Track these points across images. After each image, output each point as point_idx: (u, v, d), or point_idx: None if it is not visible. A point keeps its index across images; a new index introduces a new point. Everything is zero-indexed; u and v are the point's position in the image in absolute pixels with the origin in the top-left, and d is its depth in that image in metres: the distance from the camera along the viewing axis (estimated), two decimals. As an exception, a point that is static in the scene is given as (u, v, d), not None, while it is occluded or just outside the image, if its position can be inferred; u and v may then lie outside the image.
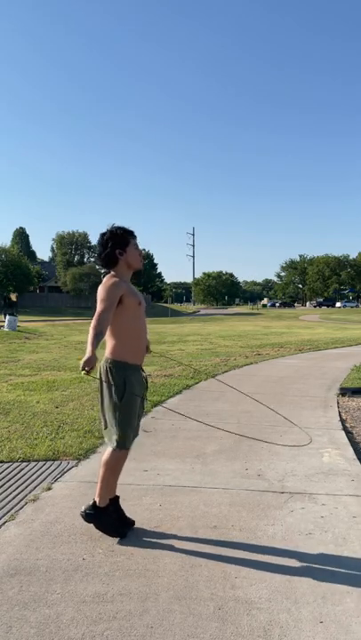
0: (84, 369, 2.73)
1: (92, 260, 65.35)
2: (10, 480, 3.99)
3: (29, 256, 73.73)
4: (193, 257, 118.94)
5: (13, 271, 54.06)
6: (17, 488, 3.83)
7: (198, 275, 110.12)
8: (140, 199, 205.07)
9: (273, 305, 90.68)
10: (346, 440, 5.20)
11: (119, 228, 3.09)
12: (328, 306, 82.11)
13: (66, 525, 3.19)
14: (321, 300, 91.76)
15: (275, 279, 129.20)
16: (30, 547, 2.93)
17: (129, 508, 3.28)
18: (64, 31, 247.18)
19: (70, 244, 68.00)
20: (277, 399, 7.35)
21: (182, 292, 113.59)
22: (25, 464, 4.36)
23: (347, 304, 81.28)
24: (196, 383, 8.70)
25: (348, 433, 5.58)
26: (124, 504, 3.22)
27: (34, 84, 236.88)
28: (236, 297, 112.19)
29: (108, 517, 3.05)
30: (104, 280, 2.98)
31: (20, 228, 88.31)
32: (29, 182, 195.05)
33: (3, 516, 3.33)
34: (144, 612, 2.32)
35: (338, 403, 7.21)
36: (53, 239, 72.47)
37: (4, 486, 3.86)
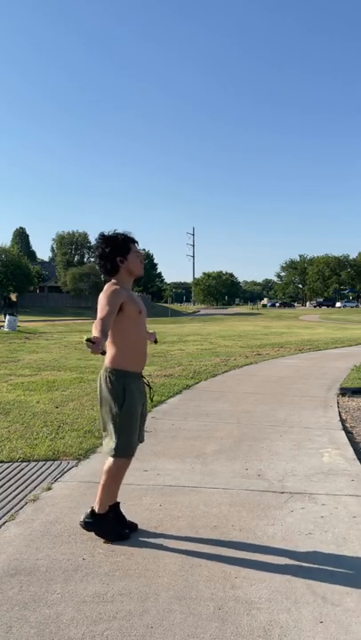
0: (90, 340, 2.54)
1: (92, 260, 65.34)
2: (10, 480, 3.99)
3: (29, 256, 73.72)
4: (193, 257, 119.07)
5: (13, 271, 54.07)
6: (17, 488, 3.83)
7: (198, 275, 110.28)
8: (140, 199, 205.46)
9: (273, 305, 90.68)
10: (346, 440, 5.20)
11: (119, 234, 3.04)
12: (328, 306, 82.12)
13: (66, 525, 3.19)
14: (321, 300, 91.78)
15: (275, 279, 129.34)
16: (30, 547, 2.93)
17: (129, 508, 3.28)
18: (64, 31, 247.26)
19: (70, 244, 68.03)
20: (277, 399, 7.35)
21: (182, 292, 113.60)
22: (25, 464, 4.36)
23: (347, 304, 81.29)
24: (196, 383, 8.70)
25: (349, 433, 5.58)
26: (124, 504, 3.21)
27: (34, 84, 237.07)
28: (236, 297, 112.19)
29: (108, 523, 3.03)
30: (105, 288, 2.95)
31: (20, 227, 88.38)
32: (29, 182, 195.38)
33: (3, 516, 3.33)
34: (144, 612, 2.32)
35: (338, 403, 7.21)
36: (53, 239, 72.62)
37: (4, 486, 3.86)
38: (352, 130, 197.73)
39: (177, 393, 7.69)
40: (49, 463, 4.37)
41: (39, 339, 19.86)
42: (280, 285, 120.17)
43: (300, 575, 2.65)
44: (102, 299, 2.89)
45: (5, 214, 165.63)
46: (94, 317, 2.95)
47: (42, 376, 9.43)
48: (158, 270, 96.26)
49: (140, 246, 3.18)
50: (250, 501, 3.58)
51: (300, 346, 16.43)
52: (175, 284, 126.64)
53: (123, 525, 3.08)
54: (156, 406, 6.62)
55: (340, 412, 6.57)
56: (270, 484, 3.94)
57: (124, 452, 2.98)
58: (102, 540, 3.00)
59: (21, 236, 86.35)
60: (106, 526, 3.02)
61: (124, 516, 3.12)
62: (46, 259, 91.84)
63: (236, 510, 3.43)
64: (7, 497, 3.66)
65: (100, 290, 2.99)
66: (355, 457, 4.61)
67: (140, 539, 3.03)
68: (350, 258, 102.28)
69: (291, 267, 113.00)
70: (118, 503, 3.10)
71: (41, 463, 4.37)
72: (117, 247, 3.01)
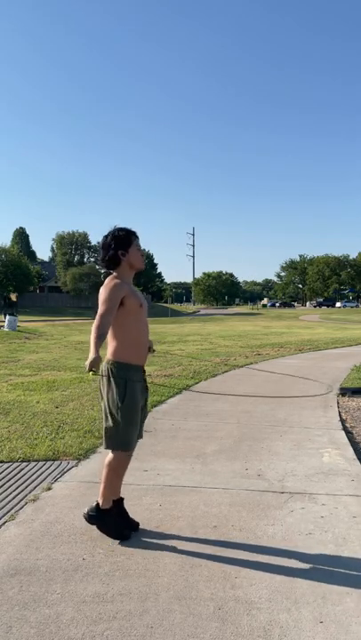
0: (90, 369, 2.74)
1: (92, 259, 65.41)
2: (10, 480, 3.99)
3: (29, 256, 73.76)
4: (193, 257, 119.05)
5: (13, 271, 54.07)
6: (17, 488, 3.83)
7: (198, 275, 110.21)
8: (140, 199, 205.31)
9: (273, 305, 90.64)
10: (346, 440, 5.20)
11: (121, 229, 3.09)
12: (328, 306, 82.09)
13: (66, 525, 3.19)
14: (321, 300, 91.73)
15: (275, 279, 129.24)
16: (30, 547, 2.93)
17: (129, 508, 3.28)
18: (64, 31, 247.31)
19: (70, 244, 68.00)
20: (277, 399, 7.35)
21: (182, 292, 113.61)
22: (25, 464, 4.36)
23: (347, 304, 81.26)
24: (196, 383, 8.70)
25: (349, 433, 5.58)
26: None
27: (34, 84, 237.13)
28: (236, 297, 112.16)
29: (111, 519, 3.04)
30: (106, 281, 2.98)
31: (20, 227, 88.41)
32: (29, 182, 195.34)
33: (3, 516, 3.33)
34: (144, 612, 2.32)
35: (338, 403, 7.21)
36: (53, 239, 72.53)
37: (4, 486, 3.86)
38: (352, 130, 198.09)
39: (177, 393, 7.69)
40: (49, 463, 4.37)
41: (39, 339, 19.86)
42: (280, 285, 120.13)
43: (300, 575, 2.65)
44: (103, 293, 2.92)
45: (5, 214, 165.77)
46: (94, 317, 2.95)
47: (42, 376, 9.43)
48: (158, 270, 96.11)
49: (141, 246, 3.21)
50: (250, 501, 3.58)
51: (300, 346, 16.43)
52: (175, 283, 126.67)
53: (125, 524, 3.08)
54: (156, 406, 6.62)
55: (340, 412, 6.57)
56: (270, 483, 3.94)
57: (125, 445, 2.99)
58: (102, 540, 3.00)
59: (21, 236, 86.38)
60: (109, 522, 3.03)
61: (127, 513, 3.13)
62: (46, 259, 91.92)
63: (236, 510, 3.43)
64: (7, 497, 3.66)
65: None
66: (355, 457, 4.61)
67: (140, 539, 3.03)
68: (350, 258, 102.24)
69: (291, 267, 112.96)
70: (122, 499, 3.12)
71: (41, 463, 4.37)
72: (119, 240, 3.05)
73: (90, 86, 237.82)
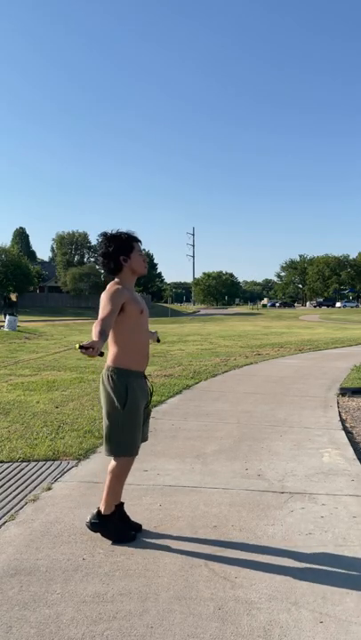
0: (83, 347, 2.47)
1: (93, 259, 65.40)
2: (10, 480, 3.99)
3: (29, 256, 73.74)
4: (193, 257, 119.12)
5: (13, 271, 54.08)
6: (17, 488, 3.83)
7: (198, 275, 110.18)
8: (140, 199, 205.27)
9: (273, 305, 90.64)
10: (346, 440, 5.20)
11: (123, 233, 3.05)
12: (328, 306, 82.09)
13: (66, 525, 3.19)
14: (321, 300, 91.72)
15: (275, 279, 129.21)
16: (30, 547, 2.93)
17: (129, 508, 3.28)
18: (64, 31, 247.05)
19: (70, 244, 68.03)
20: (278, 399, 7.35)
21: (182, 292, 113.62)
22: (25, 464, 4.36)
23: (347, 304, 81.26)
24: (196, 383, 8.70)
25: (349, 433, 5.58)
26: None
27: (34, 84, 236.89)
28: (236, 297, 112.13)
29: (114, 524, 3.03)
30: (107, 287, 2.95)
31: (20, 228, 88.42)
32: (29, 182, 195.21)
33: (3, 516, 3.33)
34: (144, 612, 2.32)
35: (338, 403, 7.21)
36: (53, 239, 72.63)
37: (4, 486, 3.86)
38: (352, 130, 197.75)
39: (177, 393, 7.69)
40: (49, 463, 4.37)
41: (39, 339, 19.86)
42: (280, 285, 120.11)
43: (300, 575, 2.65)
44: (104, 298, 2.89)
45: (5, 214, 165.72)
46: (94, 317, 2.95)
47: (42, 376, 9.43)
48: (158, 270, 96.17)
49: (142, 250, 3.18)
50: (250, 501, 3.58)
51: (300, 346, 16.44)
52: (175, 283, 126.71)
53: (128, 526, 3.08)
54: (156, 406, 6.62)
55: (340, 412, 6.57)
56: (270, 484, 3.94)
57: (128, 451, 2.98)
58: (102, 540, 3.00)
59: (21, 236, 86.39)
60: (112, 527, 3.02)
61: (128, 517, 3.12)
62: (46, 259, 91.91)
63: (236, 510, 3.43)
64: (7, 497, 3.66)
65: (101, 290, 2.99)
66: (355, 457, 4.61)
67: (140, 539, 3.03)
68: (350, 258, 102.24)
69: (291, 267, 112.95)
70: (122, 503, 3.11)
71: (41, 463, 4.37)
72: (121, 246, 3.01)
73: (90, 86, 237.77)
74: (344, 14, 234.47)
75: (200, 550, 2.90)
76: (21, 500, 3.59)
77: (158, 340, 3.45)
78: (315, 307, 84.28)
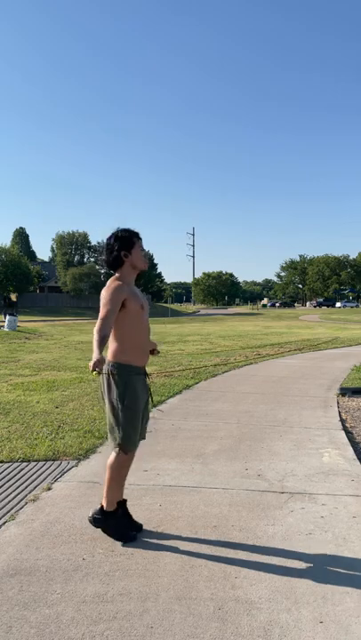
0: (94, 369, 2.71)
1: (92, 260, 65.41)
2: (10, 480, 3.99)
3: (29, 256, 73.78)
4: (193, 257, 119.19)
5: (13, 271, 54.07)
6: (17, 488, 3.83)
7: (198, 275, 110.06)
8: (140, 199, 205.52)
9: (273, 305, 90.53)
10: (346, 440, 5.20)
11: (124, 230, 3.10)
12: (328, 306, 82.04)
13: (66, 525, 3.19)
14: (321, 300, 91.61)
15: (275, 279, 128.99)
16: (30, 547, 2.93)
17: (129, 508, 3.27)
18: (64, 31, 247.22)
19: (70, 244, 67.98)
20: (278, 399, 7.35)
21: (182, 292, 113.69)
22: (25, 464, 4.36)
23: (347, 304, 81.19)
24: (196, 383, 8.70)
25: (348, 433, 5.57)
26: (124, 504, 3.21)
27: (34, 84, 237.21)
28: (236, 297, 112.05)
29: (117, 521, 3.04)
30: (107, 283, 2.99)
31: (20, 228, 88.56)
32: (29, 182, 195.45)
33: (3, 516, 3.33)
34: (144, 612, 2.32)
35: (338, 403, 7.21)
36: (53, 239, 72.52)
37: (4, 486, 3.86)
38: (352, 130, 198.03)
39: (177, 393, 7.69)
40: (49, 463, 4.37)
41: (39, 339, 19.85)
42: (280, 285, 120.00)
43: (300, 575, 2.65)
44: (105, 295, 2.92)
45: (5, 214, 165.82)
46: (94, 317, 2.96)
47: (42, 376, 9.43)
48: (158, 270, 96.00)
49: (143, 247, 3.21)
50: (250, 501, 3.58)
51: (300, 346, 16.44)
52: (175, 284, 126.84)
53: (129, 525, 3.08)
54: (156, 406, 6.62)
55: (340, 412, 6.57)
56: (270, 484, 3.94)
57: (126, 446, 2.99)
58: (102, 540, 3.00)
59: (21, 236, 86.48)
60: (114, 524, 3.03)
61: (130, 515, 3.13)
62: (46, 259, 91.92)
63: (236, 510, 3.43)
64: (7, 497, 3.66)
65: (101, 290, 3.01)
66: (355, 457, 4.61)
67: (140, 539, 3.03)
68: (350, 258, 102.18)
69: (291, 267, 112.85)
70: (125, 501, 3.11)
71: (41, 463, 4.37)
72: (123, 242, 3.06)
73: (90, 86, 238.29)
74: (344, 14, 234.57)
75: (200, 550, 2.90)
76: (21, 500, 3.59)
77: (156, 352, 3.32)
78: (315, 307, 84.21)
